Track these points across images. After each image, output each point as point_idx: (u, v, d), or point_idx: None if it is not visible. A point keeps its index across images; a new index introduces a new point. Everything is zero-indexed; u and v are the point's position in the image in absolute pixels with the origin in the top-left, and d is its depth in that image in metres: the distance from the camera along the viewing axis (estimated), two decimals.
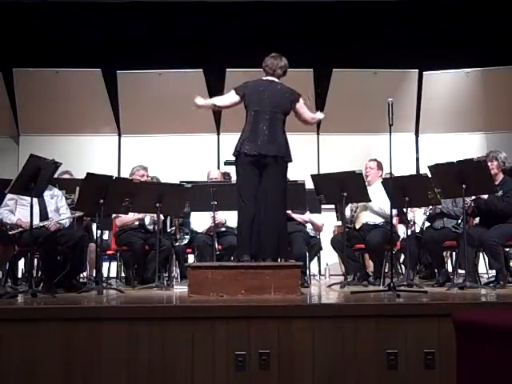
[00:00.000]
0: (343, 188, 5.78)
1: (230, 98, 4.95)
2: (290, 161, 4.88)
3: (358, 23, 8.74)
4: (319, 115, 5.20)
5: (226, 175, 7.21)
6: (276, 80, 4.93)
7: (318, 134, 9.26)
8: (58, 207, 5.68)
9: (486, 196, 5.52)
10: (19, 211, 5.43)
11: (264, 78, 4.95)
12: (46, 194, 5.50)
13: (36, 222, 5.12)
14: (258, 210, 4.76)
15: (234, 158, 4.92)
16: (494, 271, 5.81)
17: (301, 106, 4.94)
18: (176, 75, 8.89)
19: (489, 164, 5.52)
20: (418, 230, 6.52)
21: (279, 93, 4.88)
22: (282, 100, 4.87)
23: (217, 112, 8.08)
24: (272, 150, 4.75)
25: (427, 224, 6.19)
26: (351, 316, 3.74)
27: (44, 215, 5.48)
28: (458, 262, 5.95)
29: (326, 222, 6.83)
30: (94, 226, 6.49)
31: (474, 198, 5.59)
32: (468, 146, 8.85)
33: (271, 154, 4.74)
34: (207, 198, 5.88)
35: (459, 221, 5.72)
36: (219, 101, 5.02)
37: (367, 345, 3.67)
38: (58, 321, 3.69)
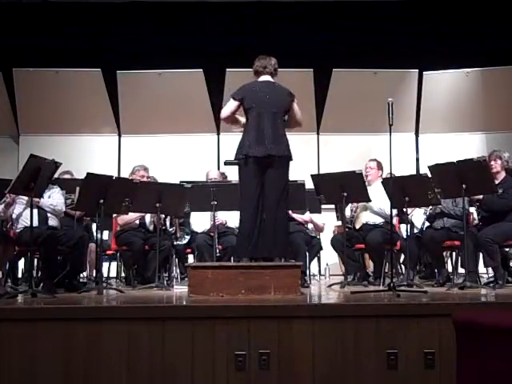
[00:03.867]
0: (343, 188, 5.79)
1: (230, 106, 4.92)
2: (292, 159, 4.91)
3: (358, 23, 8.74)
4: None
5: (222, 175, 7.18)
6: (272, 80, 4.94)
7: (318, 133, 9.26)
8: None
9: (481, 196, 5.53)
10: (17, 210, 5.46)
11: (260, 80, 4.94)
12: (45, 195, 5.50)
13: (35, 223, 5.12)
14: (262, 210, 4.78)
15: (233, 158, 4.93)
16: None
17: (295, 105, 4.96)
18: (176, 75, 8.88)
19: (492, 163, 5.53)
20: (416, 230, 6.52)
21: (279, 93, 4.89)
22: (282, 99, 4.89)
23: (217, 112, 8.07)
24: (278, 151, 4.78)
25: (427, 224, 6.19)
26: (351, 316, 3.74)
27: (42, 215, 5.48)
28: (461, 261, 5.94)
29: (326, 221, 6.82)
30: (94, 226, 6.49)
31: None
32: (468, 145, 8.84)
33: (278, 154, 4.77)
34: (207, 198, 5.88)
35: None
36: (223, 113, 4.96)
37: (367, 345, 3.67)
38: (58, 321, 3.69)
